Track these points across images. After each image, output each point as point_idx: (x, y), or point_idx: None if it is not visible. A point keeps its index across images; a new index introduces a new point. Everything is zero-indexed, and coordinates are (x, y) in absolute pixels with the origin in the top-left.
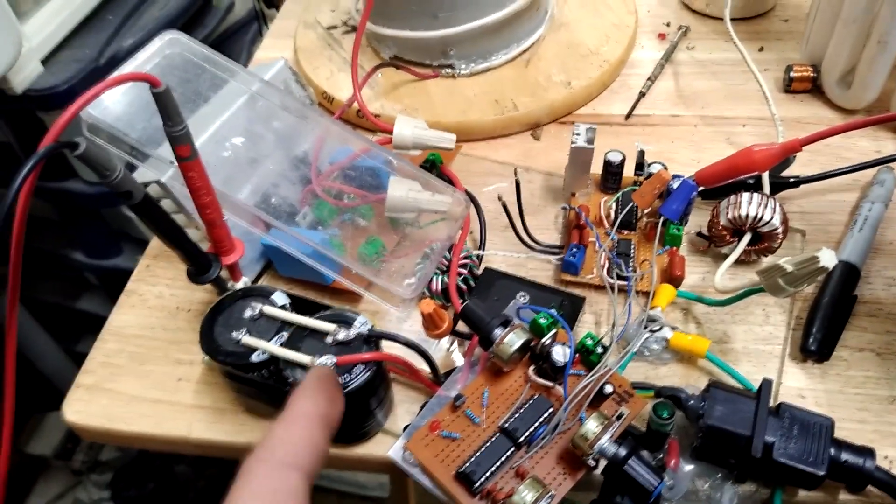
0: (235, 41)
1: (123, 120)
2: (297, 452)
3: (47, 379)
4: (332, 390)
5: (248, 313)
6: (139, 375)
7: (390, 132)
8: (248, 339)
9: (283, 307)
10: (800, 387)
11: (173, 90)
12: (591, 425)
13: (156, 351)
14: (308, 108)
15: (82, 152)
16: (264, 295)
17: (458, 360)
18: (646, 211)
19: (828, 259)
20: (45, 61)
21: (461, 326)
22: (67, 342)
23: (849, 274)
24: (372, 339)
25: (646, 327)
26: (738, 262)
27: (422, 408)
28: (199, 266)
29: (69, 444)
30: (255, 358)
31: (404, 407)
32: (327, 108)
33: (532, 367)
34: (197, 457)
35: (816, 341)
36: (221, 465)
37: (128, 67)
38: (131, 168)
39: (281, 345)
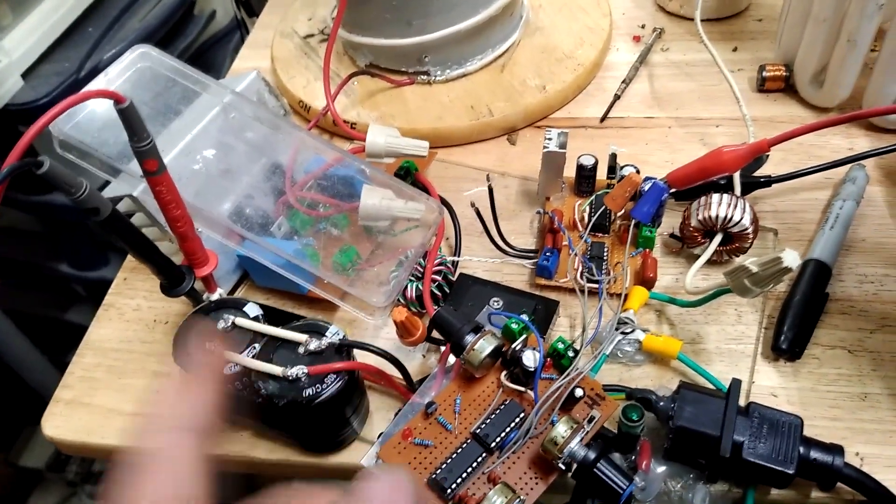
0: (218, 50)
1: (95, 135)
2: (191, 414)
3: (36, 391)
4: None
5: (220, 325)
6: (117, 389)
7: (365, 140)
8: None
9: (255, 318)
10: (772, 385)
11: (144, 104)
12: (561, 429)
13: (133, 364)
14: (281, 118)
15: (46, 170)
16: (237, 307)
17: (434, 366)
18: (619, 214)
19: (791, 259)
20: (25, 75)
21: (436, 333)
22: (55, 354)
23: (820, 272)
24: (344, 349)
25: (618, 330)
26: (710, 262)
27: (396, 415)
28: (172, 279)
29: (62, 456)
30: (227, 370)
31: (381, 414)
32: (304, 117)
33: (504, 373)
34: None
35: (788, 340)
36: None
37: (99, 83)
38: (104, 183)
39: (253, 356)
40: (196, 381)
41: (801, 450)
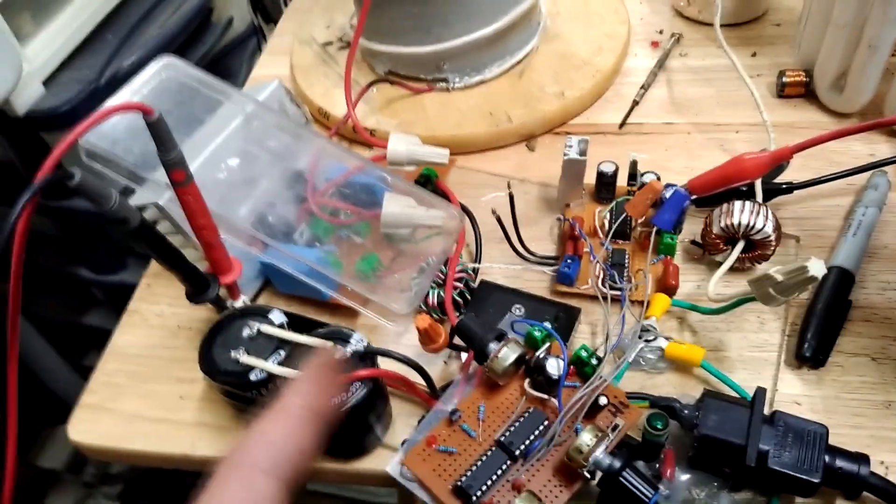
0: (235, 56)
1: (121, 144)
2: (277, 456)
3: (55, 394)
4: (327, 379)
5: (246, 332)
6: (141, 395)
7: (385, 148)
8: (245, 359)
9: (280, 326)
10: (795, 393)
11: (169, 114)
12: (586, 438)
13: (158, 370)
14: (302, 126)
15: (77, 183)
16: (262, 314)
17: (456, 373)
18: (639, 221)
19: (817, 269)
20: (46, 83)
21: (458, 340)
22: (74, 357)
23: (843, 279)
24: (368, 356)
25: (640, 337)
26: (732, 269)
27: (419, 422)
28: (198, 287)
29: (79, 456)
30: (253, 377)
31: (403, 420)
32: (323, 125)
33: (527, 381)
34: None
35: (811, 347)
36: None
37: (123, 93)
38: (129, 191)
39: (278, 363)
40: (288, 418)
41: (827, 459)
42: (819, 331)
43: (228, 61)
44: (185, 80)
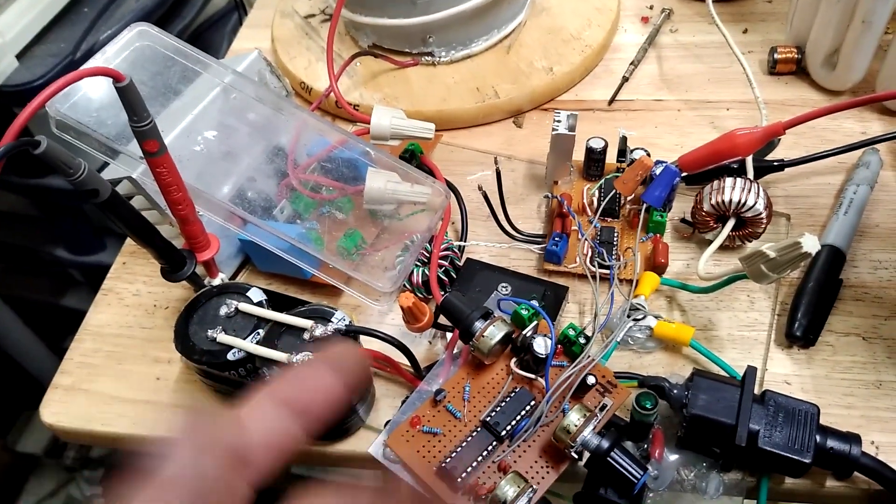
0: (215, 31)
1: (93, 115)
2: (301, 396)
3: (33, 377)
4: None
5: (223, 311)
6: (117, 375)
7: (369, 122)
8: (223, 337)
9: (259, 304)
10: (786, 373)
11: (143, 84)
12: (573, 417)
13: (133, 350)
14: (283, 99)
15: (43, 151)
16: (240, 292)
17: (441, 353)
18: (629, 198)
19: (810, 245)
20: (19, 56)
21: (443, 319)
22: (53, 339)
23: (834, 258)
24: (350, 335)
25: (629, 316)
26: (722, 247)
27: (403, 403)
28: (173, 264)
29: (60, 441)
30: (230, 356)
31: (387, 401)
32: (305, 99)
33: (514, 360)
34: None
35: (802, 327)
36: None
37: (96, 61)
38: (103, 165)
39: (257, 342)
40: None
41: (818, 438)
42: (810, 310)
43: (208, 36)
44: (160, 49)
